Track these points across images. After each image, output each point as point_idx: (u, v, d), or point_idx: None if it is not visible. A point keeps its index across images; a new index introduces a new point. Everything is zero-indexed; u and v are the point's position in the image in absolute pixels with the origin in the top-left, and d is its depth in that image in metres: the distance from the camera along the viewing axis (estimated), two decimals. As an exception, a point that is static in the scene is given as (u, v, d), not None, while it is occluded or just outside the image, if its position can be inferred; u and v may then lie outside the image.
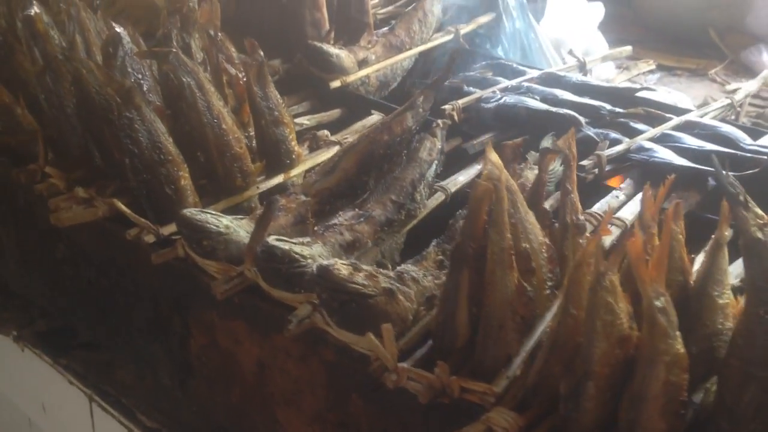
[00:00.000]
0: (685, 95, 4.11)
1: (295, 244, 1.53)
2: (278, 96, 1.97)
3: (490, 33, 3.29)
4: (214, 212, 1.64)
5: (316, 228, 1.66)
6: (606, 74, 3.50)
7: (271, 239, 1.50)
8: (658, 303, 1.15)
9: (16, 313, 2.41)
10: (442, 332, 1.37)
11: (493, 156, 1.33)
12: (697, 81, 4.81)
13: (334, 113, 2.54)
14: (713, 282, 1.32)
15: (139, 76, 1.80)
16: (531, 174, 1.78)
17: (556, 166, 1.88)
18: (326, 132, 2.24)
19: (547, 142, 1.90)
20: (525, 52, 3.42)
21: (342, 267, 1.37)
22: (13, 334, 2.37)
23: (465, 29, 3.12)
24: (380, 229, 1.71)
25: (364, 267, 1.42)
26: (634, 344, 1.20)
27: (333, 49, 2.61)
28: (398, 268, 1.52)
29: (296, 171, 2.06)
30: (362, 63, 2.70)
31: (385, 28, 2.90)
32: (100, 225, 1.80)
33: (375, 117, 2.42)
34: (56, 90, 1.93)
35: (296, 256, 1.48)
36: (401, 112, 1.96)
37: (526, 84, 2.49)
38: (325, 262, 1.37)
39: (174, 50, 1.71)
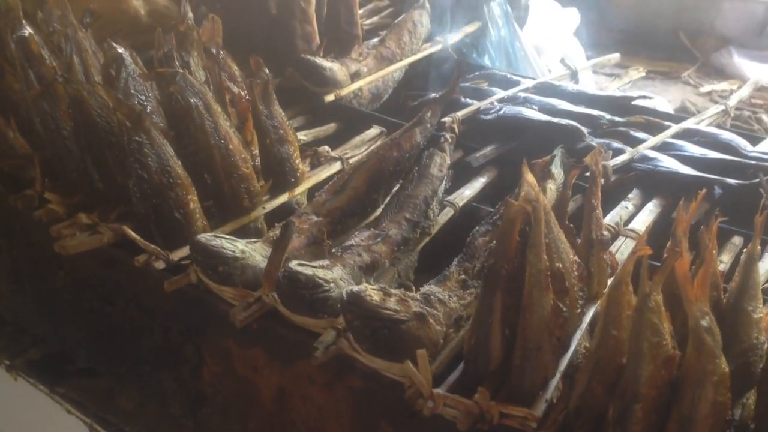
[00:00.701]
0: (663, 98, 4.17)
1: (317, 268, 1.50)
2: (282, 114, 1.93)
3: (476, 42, 3.29)
4: (228, 237, 1.60)
5: (333, 250, 1.62)
6: (591, 81, 3.52)
7: (294, 264, 1.46)
8: (704, 323, 1.14)
9: (8, 341, 2.33)
10: (475, 356, 1.35)
11: (530, 176, 1.31)
12: (671, 84, 4.88)
13: (330, 127, 2.50)
14: (748, 297, 1.31)
15: (143, 98, 1.74)
16: (549, 184, 1.76)
17: (560, 175, 1.87)
18: (327, 148, 2.21)
19: (557, 154, 1.88)
20: (510, 60, 3.43)
21: (373, 293, 1.33)
22: (5, 363, 2.28)
23: (453, 39, 3.11)
24: (397, 248, 1.68)
25: (394, 291, 1.39)
26: (678, 364, 1.19)
27: (326, 63, 2.58)
28: (423, 289, 1.50)
29: (300, 189, 2.03)
30: (354, 75, 2.67)
31: (375, 40, 2.88)
32: (105, 252, 1.74)
33: (374, 131, 2.39)
34: (52, 113, 1.86)
35: (320, 281, 1.45)
36: (409, 128, 1.93)
37: (522, 94, 2.48)
38: (355, 288, 1.34)
39: (181, 71, 1.66)
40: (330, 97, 2.56)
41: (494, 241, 1.60)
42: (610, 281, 1.54)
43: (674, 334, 1.20)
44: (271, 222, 1.96)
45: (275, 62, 2.74)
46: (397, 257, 1.70)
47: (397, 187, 1.86)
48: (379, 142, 2.32)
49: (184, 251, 1.69)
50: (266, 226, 1.94)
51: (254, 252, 1.61)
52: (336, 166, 2.17)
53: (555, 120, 2.25)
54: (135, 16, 2.81)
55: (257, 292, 1.54)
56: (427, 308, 1.40)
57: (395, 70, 2.84)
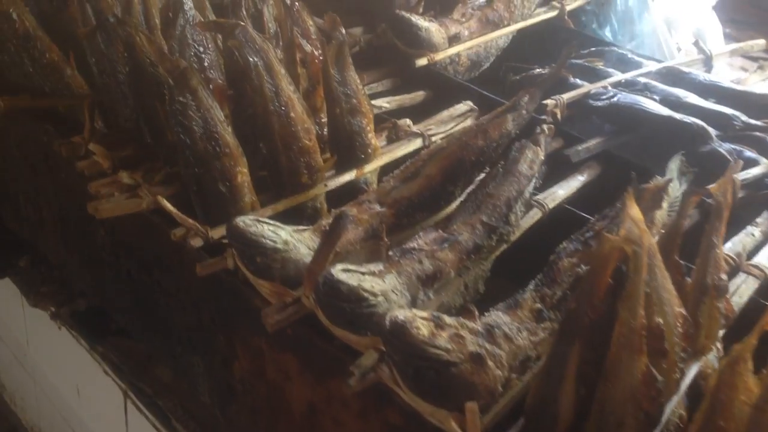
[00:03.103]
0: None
1: (363, 275, 1.27)
2: (358, 81, 1.68)
3: (599, 10, 2.93)
4: (272, 223, 1.38)
5: (390, 252, 1.39)
6: (726, 69, 3.09)
7: (337, 270, 1.23)
8: None
9: (56, 287, 2.23)
10: (539, 413, 1.10)
11: (634, 210, 1.02)
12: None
13: (418, 96, 2.24)
14: None
15: (201, 49, 1.54)
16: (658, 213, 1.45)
17: (676, 189, 1.56)
18: (408, 121, 1.95)
19: (674, 165, 1.57)
20: (634, 34, 3.05)
21: (422, 325, 1.09)
22: (50, 310, 2.19)
23: (571, 5, 2.77)
24: (466, 256, 1.43)
25: (448, 321, 1.15)
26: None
27: (422, 22, 2.31)
28: (487, 318, 1.24)
29: (371, 167, 1.79)
30: (453, 39, 2.39)
31: (482, 0, 2.57)
32: (144, 217, 1.57)
33: (463, 107, 2.11)
34: (108, 54, 1.69)
35: (365, 294, 1.22)
36: (501, 114, 1.66)
37: (643, 80, 2.14)
38: (400, 316, 1.10)
39: (241, 24, 1.44)
40: (422, 61, 2.29)
41: (581, 268, 1.34)
42: (720, 334, 1.25)
43: None
44: (334, 202, 1.74)
45: (368, 16, 2.50)
46: (466, 266, 1.44)
47: (477, 182, 1.59)
48: (467, 121, 2.06)
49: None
50: (326, 207, 1.73)
51: (300, 243, 1.40)
52: (416, 143, 1.92)
53: (677, 116, 1.91)
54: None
55: (297, 292, 1.33)
56: (488, 346, 1.15)
57: (500, 36, 2.54)
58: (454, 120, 2.07)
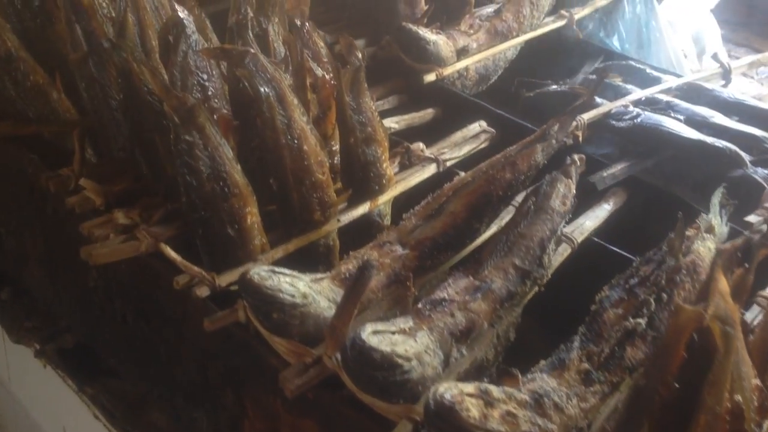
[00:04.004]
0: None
1: (394, 334, 1.14)
2: (373, 107, 1.56)
3: (606, 18, 2.81)
4: (288, 273, 1.25)
5: (419, 305, 1.26)
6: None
7: (368, 334, 1.10)
8: None
9: (40, 321, 2.07)
10: (599, 500, 0.98)
11: (722, 284, 0.91)
12: None
13: (427, 114, 2.12)
14: None
15: (204, 77, 1.39)
16: (703, 247, 1.34)
17: (719, 225, 1.46)
18: (422, 146, 1.83)
19: (717, 199, 1.46)
20: (641, 41, 2.94)
21: (471, 405, 0.97)
22: (35, 347, 2.04)
23: (580, 13, 2.65)
24: (500, 306, 1.31)
25: (495, 394, 1.03)
26: None
27: (430, 35, 2.18)
28: (532, 384, 1.12)
29: (385, 198, 1.66)
30: (461, 51, 2.26)
31: (490, 9, 2.45)
32: (142, 260, 1.43)
33: (476, 127, 1.99)
34: (100, 78, 1.54)
35: (399, 361, 1.09)
36: (530, 144, 1.53)
37: (665, 98, 2.03)
38: (446, 396, 0.98)
39: (251, 51, 1.30)
40: (430, 77, 2.17)
41: (630, 321, 1.23)
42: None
43: None
44: (345, 234, 1.62)
45: (371, 26, 2.36)
46: (499, 316, 1.33)
47: (506, 220, 1.47)
48: (482, 143, 1.93)
49: (235, 274, 1.36)
50: (338, 243, 1.60)
51: (319, 295, 1.27)
52: (431, 169, 1.80)
53: (708, 140, 1.81)
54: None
55: (317, 350, 1.21)
56: (540, 421, 1.03)
57: (508, 47, 2.42)
58: (468, 142, 1.95)
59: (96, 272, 1.58)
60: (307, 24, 1.51)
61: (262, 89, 1.32)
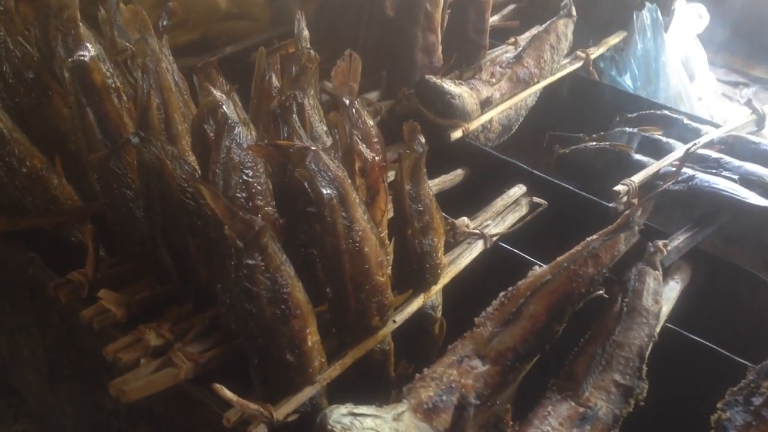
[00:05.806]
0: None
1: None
2: (431, 194, 1.38)
3: (618, 56, 2.68)
4: (370, 414, 1.07)
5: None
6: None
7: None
8: None
9: (32, 426, 1.83)
10: None
11: None
12: None
13: (457, 176, 1.95)
14: None
15: (249, 173, 1.18)
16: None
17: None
18: (467, 221, 1.66)
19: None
20: (650, 76, 2.83)
21: None
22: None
23: (595, 53, 2.51)
24: (607, 433, 1.15)
25: None
26: None
27: (454, 88, 2.01)
28: None
29: (438, 287, 1.49)
30: (485, 102, 2.10)
31: (508, 54, 2.28)
32: (178, 386, 1.22)
33: (517, 190, 1.82)
34: (118, 169, 1.33)
35: None
36: (613, 234, 1.37)
37: (714, 154, 1.90)
38: None
39: (313, 149, 1.10)
40: (457, 134, 2.00)
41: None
42: None
43: None
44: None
45: (388, 79, 2.18)
46: (605, 445, 1.16)
47: (594, 327, 1.31)
48: (528, 213, 1.77)
49: (293, 403, 1.17)
50: (392, 344, 1.41)
51: (404, 437, 1.08)
52: (478, 247, 1.63)
53: (777, 208, 1.67)
54: (213, 1, 2.26)
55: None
56: None
57: (529, 95, 2.27)
58: (510, 211, 1.78)
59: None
60: (356, 102, 1.33)
61: (324, 191, 1.12)
